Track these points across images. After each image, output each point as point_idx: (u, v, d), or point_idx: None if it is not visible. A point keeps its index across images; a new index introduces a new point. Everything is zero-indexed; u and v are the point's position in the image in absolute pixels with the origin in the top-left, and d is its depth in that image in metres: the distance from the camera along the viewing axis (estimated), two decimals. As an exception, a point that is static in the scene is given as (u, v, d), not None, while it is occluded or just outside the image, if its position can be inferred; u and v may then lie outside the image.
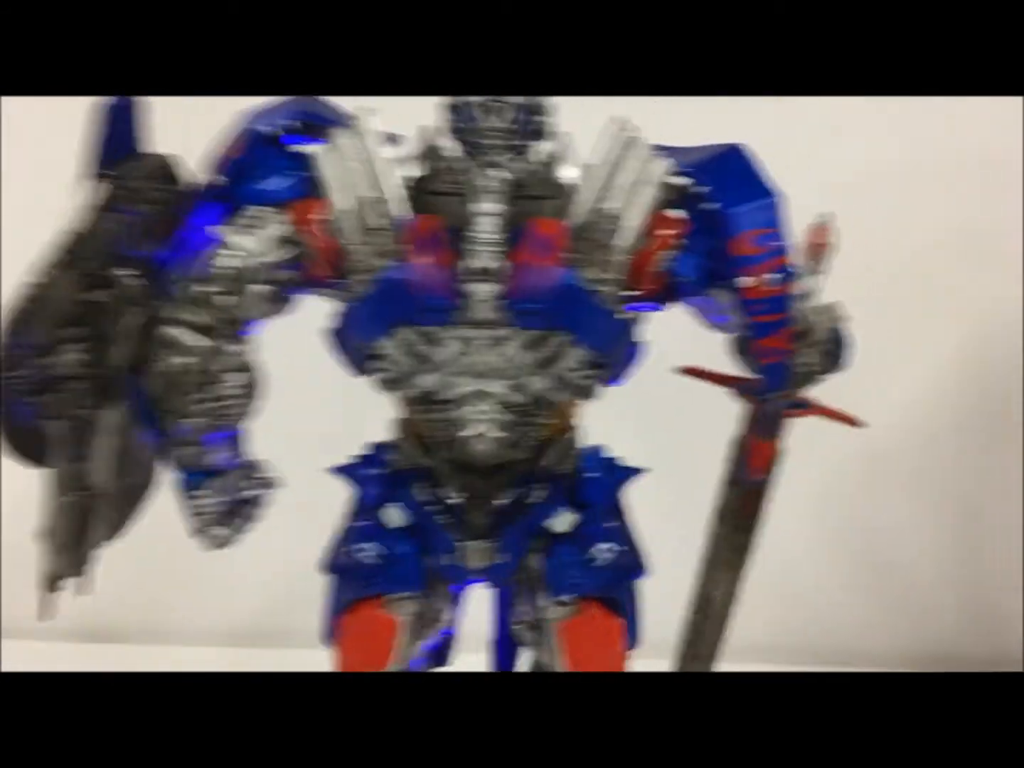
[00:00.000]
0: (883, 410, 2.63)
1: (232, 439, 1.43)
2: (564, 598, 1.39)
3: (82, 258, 1.28)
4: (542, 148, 1.31)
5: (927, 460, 2.71)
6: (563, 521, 1.40)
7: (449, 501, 1.39)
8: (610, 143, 1.27)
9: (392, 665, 1.38)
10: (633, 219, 1.27)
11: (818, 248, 1.60)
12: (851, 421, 1.71)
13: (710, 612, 1.74)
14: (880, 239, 2.50)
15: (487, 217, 1.24)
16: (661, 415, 2.44)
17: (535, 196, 1.26)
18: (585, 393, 1.39)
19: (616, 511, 1.47)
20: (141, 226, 1.34)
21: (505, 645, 1.55)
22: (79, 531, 1.50)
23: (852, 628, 2.74)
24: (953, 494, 2.76)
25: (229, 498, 1.45)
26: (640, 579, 1.49)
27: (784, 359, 1.33)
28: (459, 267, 1.24)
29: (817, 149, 2.49)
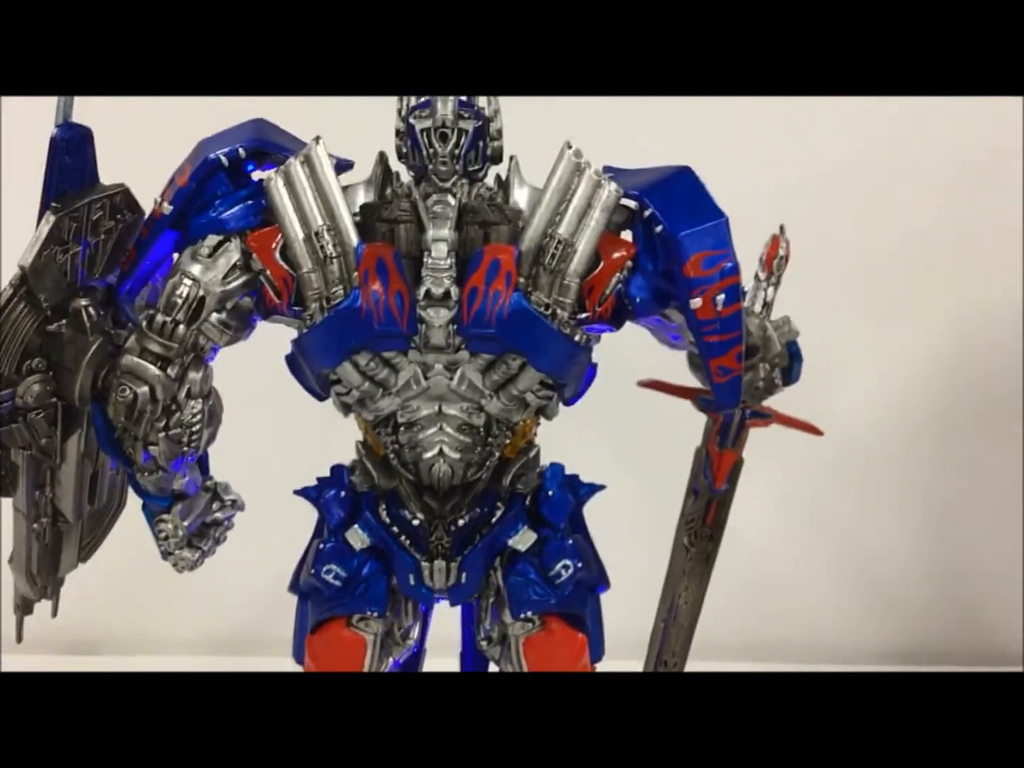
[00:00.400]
0: (864, 408, 2.70)
1: (197, 463, 1.45)
2: (527, 614, 1.41)
3: (40, 291, 1.29)
4: (493, 173, 1.33)
5: (908, 458, 2.73)
6: (524, 539, 1.42)
7: (411, 522, 1.40)
8: (560, 168, 1.28)
9: None
10: (584, 244, 1.28)
11: (773, 259, 1.63)
12: (812, 430, 1.74)
13: (677, 619, 1.77)
14: (861, 239, 2.54)
15: (439, 243, 1.25)
16: (631, 425, 2.46)
17: (486, 222, 1.27)
18: (543, 413, 1.41)
19: (577, 527, 1.49)
20: (98, 256, 1.35)
21: (472, 659, 1.57)
22: (49, 557, 1.52)
23: (833, 626, 2.76)
24: (935, 493, 2.77)
25: (196, 521, 1.48)
26: (601, 593, 1.51)
27: (735, 377, 1.34)
28: (413, 293, 1.26)
29: (809, 148, 2.52)
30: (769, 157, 2.48)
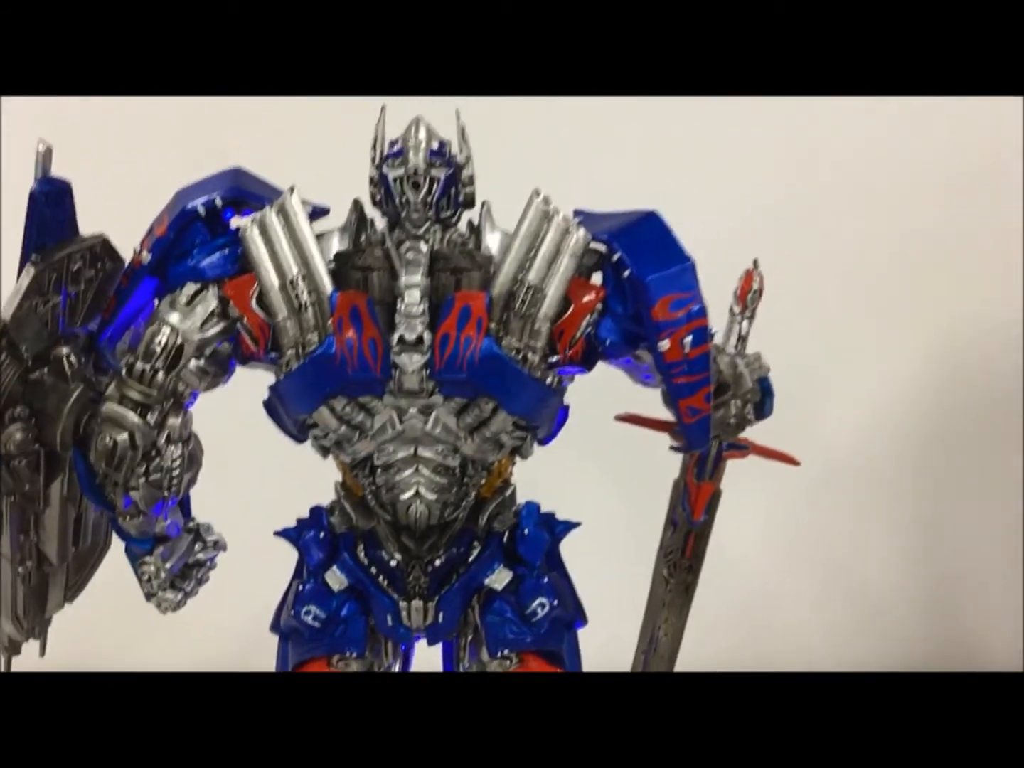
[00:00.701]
0: (854, 423, 2.71)
1: (179, 506, 1.47)
2: (504, 652, 1.43)
3: (21, 342, 1.31)
4: (466, 218, 1.36)
5: (898, 474, 2.75)
6: (500, 578, 1.45)
7: (389, 562, 1.42)
8: (530, 216, 1.30)
9: None
10: (553, 289, 1.31)
11: (747, 293, 1.66)
12: (789, 460, 1.77)
13: (657, 650, 1.79)
14: (852, 253, 2.56)
15: (412, 289, 1.27)
16: (612, 457, 2.48)
17: (457, 268, 1.30)
18: (518, 452, 1.43)
19: (553, 565, 1.51)
20: (78, 304, 1.37)
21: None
22: (35, 599, 1.54)
23: (820, 645, 2.75)
24: (925, 509, 2.77)
25: (178, 563, 1.50)
26: (579, 628, 1.53)
27: (704, 416, 1.36)
28: (386, 339, 1.28)
29: (805, 154, 2.54)
30: (766, 161, 2.50)
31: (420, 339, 1.27)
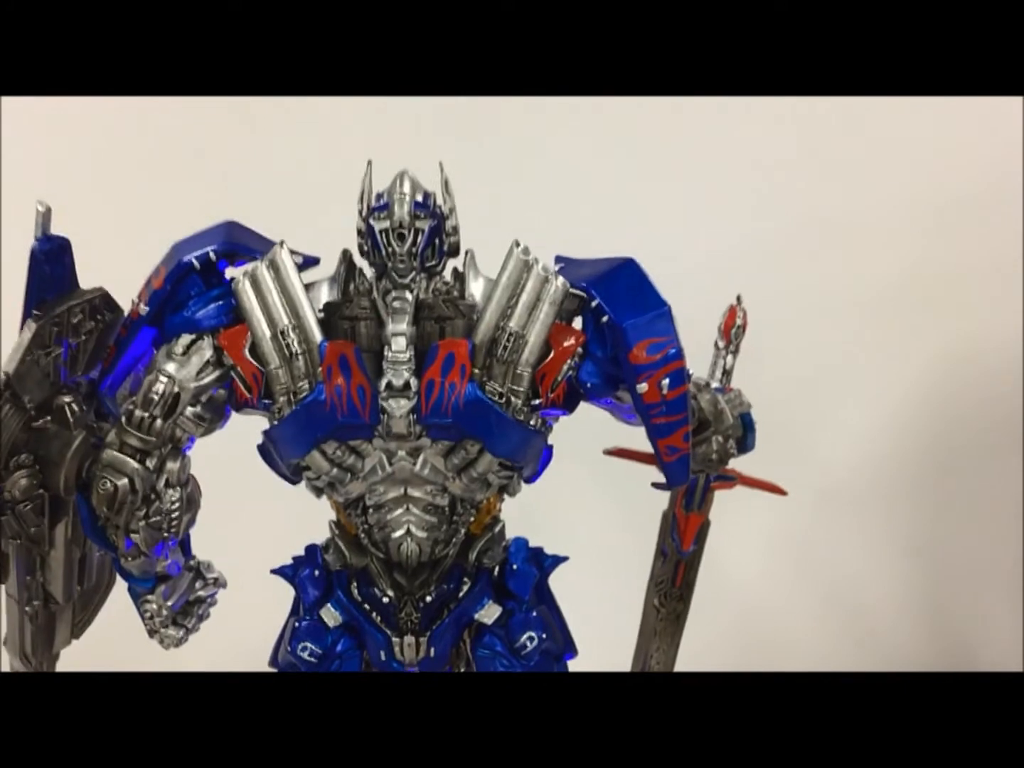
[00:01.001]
0: (852, 443, 2.73)
1: (179, 545, 1.52)
2: None
3: (24, 393, 1.36)
4: (451, 267, 1.41)
5: (896, 493, 2.76)
6: (489, 613, 1.50)
7: (381, 599, 1.47)
8: (510, 266, 1.35)
9: None
10: (534, 335, 1.35)
11: (731, 329, 1.71)
12: (776, 490, 1.81)
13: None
14: (847, 272, 2.59)
15: (398, 337, 1.32)
16: (603, 488, 2.53)
17: (441, 317, 1.35)
18: (505, 490, 1.48)
19: (542, 598, 1.56)
20: (79, 355, 1.43)
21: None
22: (42, 636, 1.59)
23: (820, 662, 2.72)
24: (924, 528, 2.78)
25: (179, 600, 1.55)
26: (569, 660, 1.58)
27: (683, 455, 1.41)
28: (374, 385, 1.33)
29: (799, 173, 2.56)
30: (760, 184, 2.53)
31: (407, 385, 1.32)
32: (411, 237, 1.33)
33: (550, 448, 1.45)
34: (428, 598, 1.47)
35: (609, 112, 2.36)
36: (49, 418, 1.43)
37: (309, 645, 1.48)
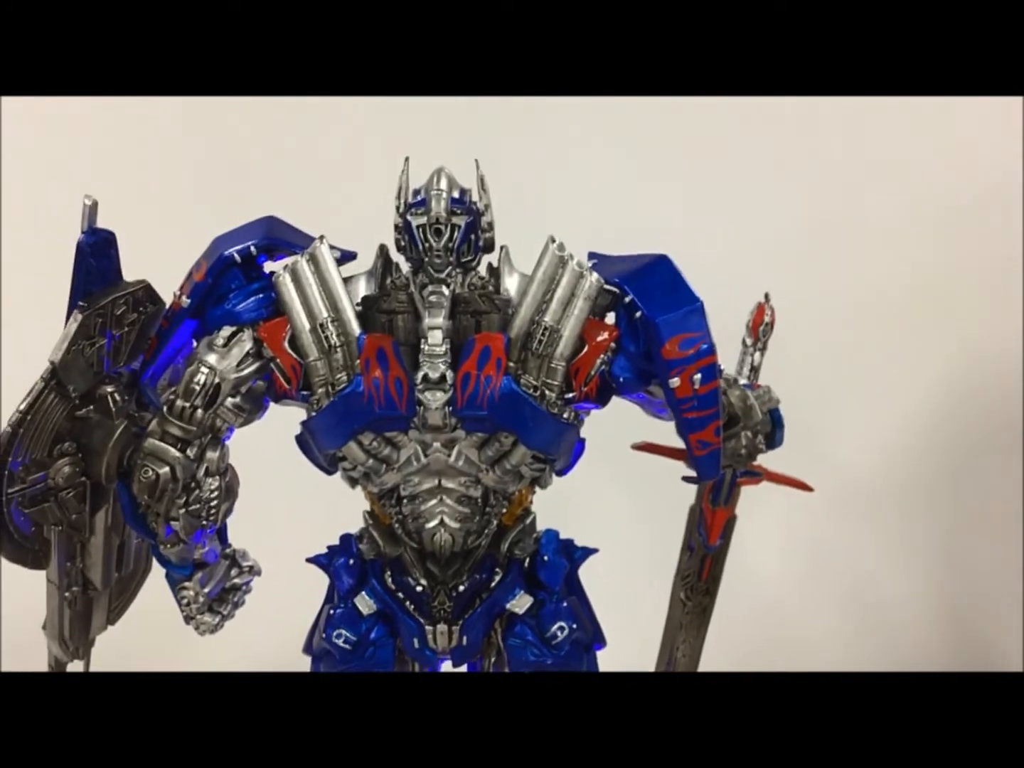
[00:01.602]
0: (866, 445, 2.74)
1: (216, 533, 1.55)
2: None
3: (69, 382, 1.40)
4: (485, 261, 1.43)
5: (911, 495, 2.77)
6: (521, 603, 1.52)
7: (415, 588, 1.50)
8: (545, 261, 1.38)
9: None
10: (568, 330, 1.38)
11: (759, 326, 1.73)
12: (802, 486, 1.83)
13: (675, 670, 1.85)
14: (863, 275, 2.60)
15: (435, 331, 1.35)
16: (633, 482, 2.54)
17: (477, 311, 1.38)
18: (537, 483, 1.50)
19: (572, 589, 1.59)
20: (122, 346, 1.45)
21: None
22: (80, 622, 1.62)
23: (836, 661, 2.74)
24: (939, 529, 2.79)
25: (216, 587, 1.58)
26: (598, 650, 1.60)
27: (715, 449, 1.43)
28: (411, 378, 1.36)
29: (807, 181, 2.56)
30: (778, 191, 2.54)
31: (443, 377, 1.34)
32: (448, 233, 1.36)
33: (582, 441, 1.47)
34: (461, 587, 1.50)
35: (634, 112, 2.38)
36: (92, 407, 1.46)
37: (344, 632, 1.51)
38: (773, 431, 1.62)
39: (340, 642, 1.51)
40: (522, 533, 1.54)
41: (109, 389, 1.46)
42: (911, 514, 2.70)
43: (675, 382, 1.38)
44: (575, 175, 2.48)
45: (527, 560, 1.56)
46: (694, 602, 1.84)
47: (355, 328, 1.37)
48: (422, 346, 1.35)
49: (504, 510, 1.50)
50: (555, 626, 1.52)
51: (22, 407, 1.38)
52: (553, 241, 1.38)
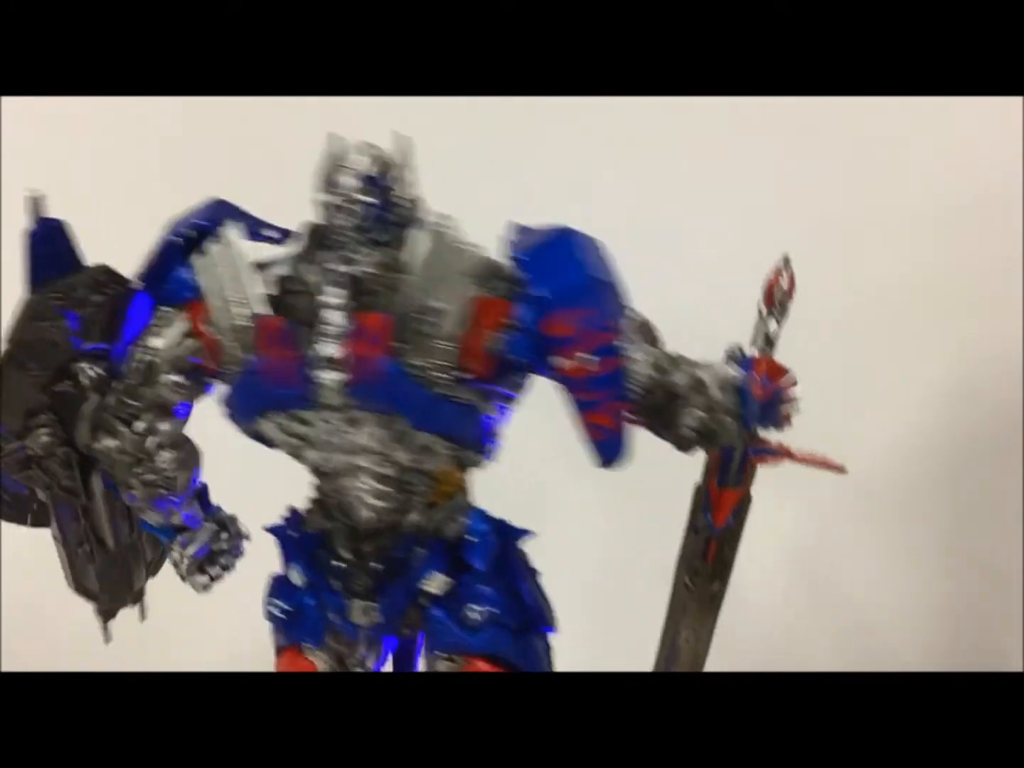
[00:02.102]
0: (867, 447, 2.52)
1: (197, 499, 1.64)
2: (447, 654, 1.49)
3: (30, 360, 1.52)
4: (395, 241, 1.40)
5: (912, 498, 2.61)
6: (435, 583, 1.49)
7: (339, 563, 1.52)
8: (428, 237, 1.34)
9: None
10: (453, 307, 1.34)
11: (773, 291, 1.58)
12: (834, 467, 1.66)
13: (679, 659, 1.75)
14: (862, 276, 2.49)
15: (329, 310, 1.36)
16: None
17: (372, 290, 1.36)
18: (462, 462, 1.47)
19: (507, 570, 1.53)
20: (91, 326, 1.56)
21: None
22: (115, 573, 1.76)
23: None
24: (941, 532, 2.65)
25: (202, 550, 1.66)
26: (541, 636, 1.55)
27: (614, 434, 1.34)
28: (306, 357, 1.37)
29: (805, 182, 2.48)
30: (769, 190, 2.48)
31: (335, 356, 1.35)
32: (357, 211, 1.35)
33: (491, 417, 1.42)
34: (379, 564, 1.49)
35: (634, 113, 2.29)
36: (70, 382, 1.58)
37: (278, 602, 1.56)
38: (742, 409, 1.49)
39: (276, 611, 1.56)
40: (450, 511, 1.51)
41: (83, 365, 1.57)
42: (911, 513, 2.50)
43: (562, 361, 1.31)
44: (575, 175, 2.44)
45: (457, 541, 1.53)
46: (698, 587, 1.72)
47: (255, 308, 1.40)
48: (320, 325, 1.36)
49: (427, 488, 1.48)
50: (469, 608, 1.48)
51: None
52: (439, 216, 1.34)
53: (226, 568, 1.69)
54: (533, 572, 1.57)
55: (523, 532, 1.54)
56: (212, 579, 1.68)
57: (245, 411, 1.45)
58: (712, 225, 2.46)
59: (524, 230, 1.40)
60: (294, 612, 1.55)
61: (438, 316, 1.34)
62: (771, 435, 1.61)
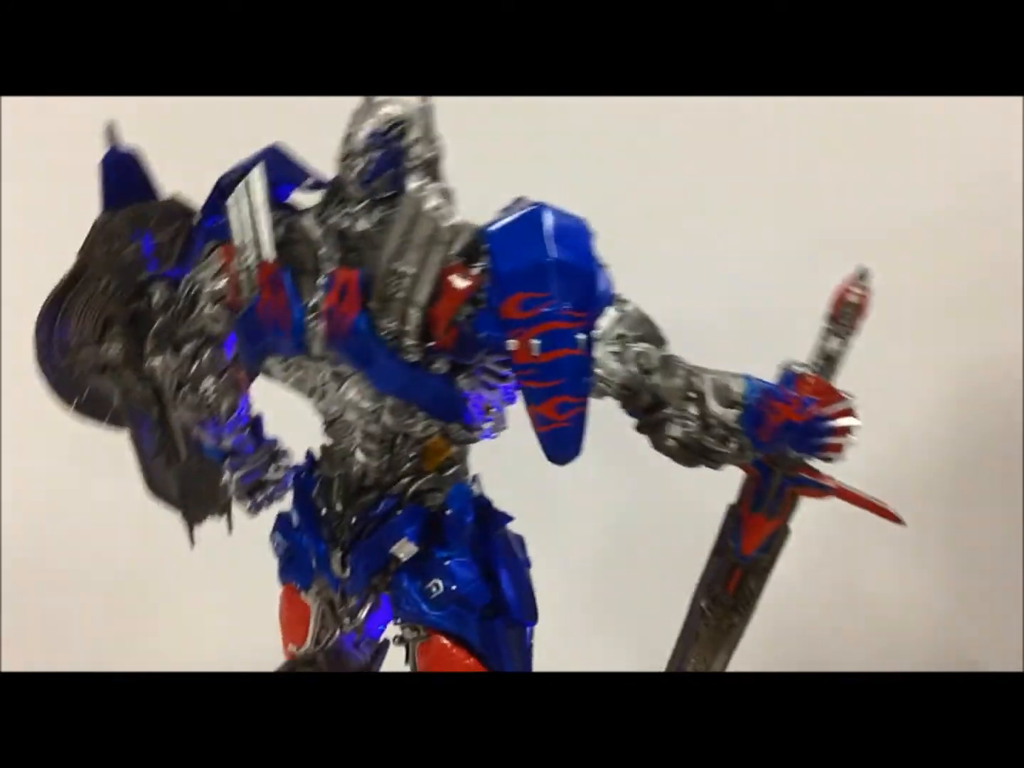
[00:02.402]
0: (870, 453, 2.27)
1: (244, 428, 1.69)
2: (409, 622, 1.48)
3: (104, 275, 1.63)
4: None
5: (910, 497, 2.24)
6: (403, 549, 1.47)
7: (325, 510, 1.53)
8: (406, 204, 1.32)
9: (308, 644, 1.57)
10: (425, 275, 1.31)
11: (841, 305, 1.44)
12: (890, 516, 1.51)
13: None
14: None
15: (325, 261, 1.38)
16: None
17: (356, 247, 1.36)
18: (448, 434, 1.44)
19: (486, 551, 1.49)
20: (165, 252, 1.64)
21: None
22: (198, 484, 1.85)
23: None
24: (937, 531, 2.62)
25: (250, 476, 1.73)
26: (514, 626, 1.49)
27: (558, 429, 1.28)
28: (299, 306, 1.39)
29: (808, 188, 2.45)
30: (768, 191, 2.44)
31: (318, 307, 1.37)
32: (361, 165, 1.36)
33: (478, 395, 1.39)
34: (355, 519, 1.49)
35: (634, 112, 2.24)
36: (143, 302, 1.68)
37: (278, 538, 1.60)
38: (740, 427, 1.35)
39: (275, 547, 1.60)
40: (437, 482, 1.49)
41: (155, 288, 1.68)
42: (911, 514, 2.08)
43: (512, 344, 1.26)
44: (575, 175, 2.37)
45: (435, 511, 1.49)
46: (716, 615, 1.59)
47: (264, 254, 1.43)
48: (318, 276, 1.38)
49: (416, 454, 1.47)
50: (431, 581, 1.45)
51: (53, 293, 1.64)
52: (415, 185, 1.32)
53: (272, 499, 1.74)
54: (520, 562, 1.51)
55: (505, 518, 1.50)
56: (258, 506, 1.74)
57: (246, 351, 1.50)
58: (712, 226, 2.45)
59: (511, 204, 1.35)
60: (290, 551, 1.58)
61: (405, 281, 1.32)
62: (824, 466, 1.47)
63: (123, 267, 1.65)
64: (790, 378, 1.41)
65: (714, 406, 1.34)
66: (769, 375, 1.41)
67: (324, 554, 1.54)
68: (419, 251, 1.31)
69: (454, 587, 1.45)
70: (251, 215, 1.46)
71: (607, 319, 1.34)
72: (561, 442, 1.30)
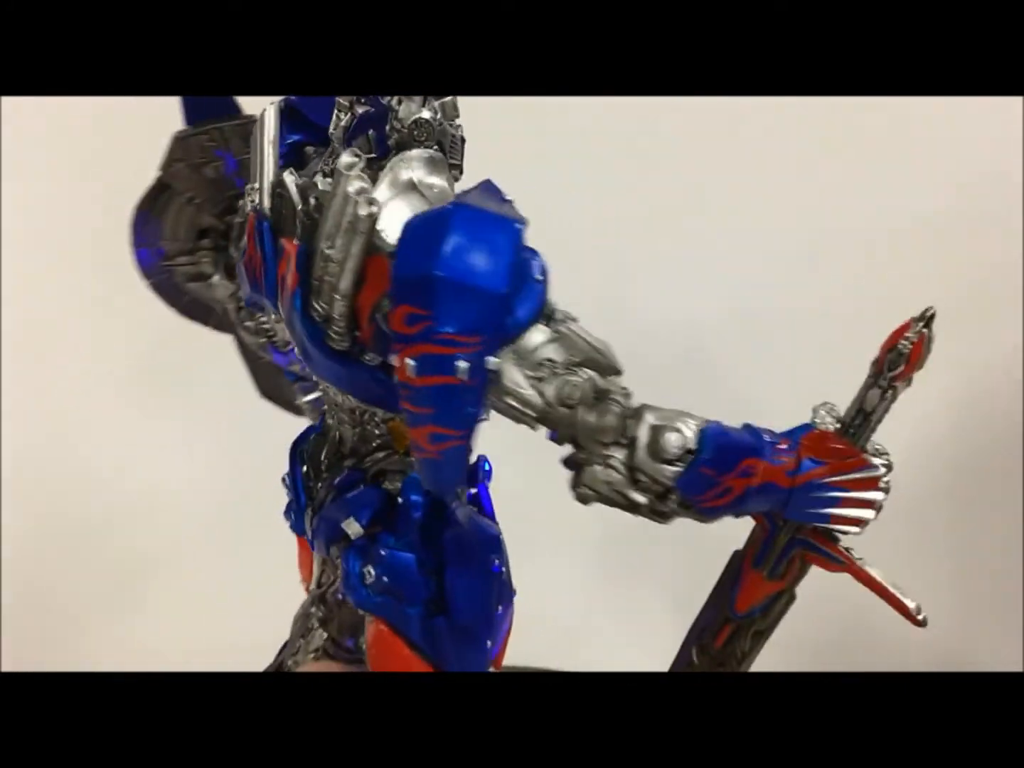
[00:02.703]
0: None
1: None
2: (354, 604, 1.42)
3: (187, 190, 1.59)
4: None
5: (910, 498, 2.18)
6: (349, 527, 1.39)
7: (309, 468, 1.51)
8: (340, 187, 1.19)
9: (312, 585, 1.58)
10: (349, 263, 1.20)
11: (888, 352, 1.28)
12: (911, 619, 1.35)
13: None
14: (862, 279, 2.46)
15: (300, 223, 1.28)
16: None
17: (314, 217, 1.26)
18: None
19: (431, 551, 1.39)
20: (246, 169, 1.52)
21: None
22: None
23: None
24: (937, 531, 2.66)
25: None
26: (464, 634, 1.39)
27: (427, 460, 1.17)
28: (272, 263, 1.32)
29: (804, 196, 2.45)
30: (768, 191, 2.45)
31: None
32: (345, 119, 1.28)
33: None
34: (321, 485, 1.46)
35: (634, 113, 2.26)
36: (233, 216, 1.63)
37: (286, 488, 1.55)
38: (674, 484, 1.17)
39: (284, 491, 1.56)
40: (402, 464, 1.41)
41: (244, 202, 1.56)
42: (911, 514, 2.36)
43: (394, 360, 1.14)
44: (575, 175, 2.44)
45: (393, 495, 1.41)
46: (702, 667, 1.43)
47: (260, 201, 1.36)
48: None
49: (379, 431, 1.40)
50: (365, 567, 1.37)
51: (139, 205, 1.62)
52: (350, 167, 1.19)
53: None
54: (480, 565, 1.38)
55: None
56: None
57: (248, 300, 1.45)
58: (712, 226, 2.47)
59: (468, 189, 1.21)
60: (291, 502, 1.55)
61: (331, 266, 1.21)
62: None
63: (209, 183, 1.62)
64: (799, 432, 1.23)
65: (644, 458, 1.16)
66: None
67: (304, 509, 1.51)
68: (345, 236, 1.19)
69: (386, 578, 1.36)
70: (256, 158, 1.38)
71: (533, 340, 1.17)
72: (432, 475, 1.21)
